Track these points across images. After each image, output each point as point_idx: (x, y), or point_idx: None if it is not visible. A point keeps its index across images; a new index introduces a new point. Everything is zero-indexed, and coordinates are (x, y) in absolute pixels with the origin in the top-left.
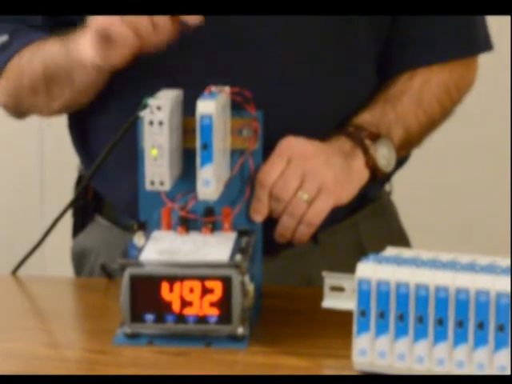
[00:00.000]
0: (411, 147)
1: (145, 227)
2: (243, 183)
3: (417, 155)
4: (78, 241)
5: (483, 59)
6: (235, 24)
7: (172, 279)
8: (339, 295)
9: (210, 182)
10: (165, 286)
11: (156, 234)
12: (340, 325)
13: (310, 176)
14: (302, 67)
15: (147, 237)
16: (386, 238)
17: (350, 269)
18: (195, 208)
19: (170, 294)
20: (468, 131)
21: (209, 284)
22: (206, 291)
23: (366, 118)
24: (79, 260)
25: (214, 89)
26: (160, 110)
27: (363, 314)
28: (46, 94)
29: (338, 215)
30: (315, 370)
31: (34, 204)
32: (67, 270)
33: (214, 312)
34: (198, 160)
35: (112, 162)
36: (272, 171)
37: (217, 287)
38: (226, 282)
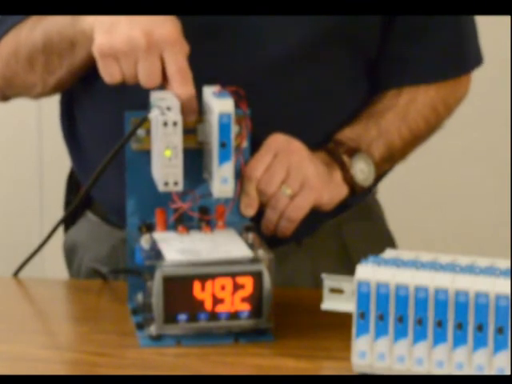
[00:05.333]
0: (394, 162)
1: (152, 229)
2: (235, 180)
3: (410, 155)
4: (68, 236)
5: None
6: (231, 29)
7: (204, 278)
8: (339, 297)
9: (228, 179)
10: (197, 285)
11: (158, 235)
12: (339, 327)
13: (294, 170)
14: (293, 77)
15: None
16: (370, 240)
17: (333, 270)
18: (190, 207)
19: (202, 293)
20: (463, 130)
21: (240, 280)
22: (237, 287)
23: (346, 133)
24: (69, 255)
25: (213, 89)
26: (170, 110)
27: (362, 316)
28: (44, 66)
29: (321, 219)
30: (314, 371)
31: (33, 205)
32: (65, 269)
33: (245, 307)
34: (216, 158)
35: (99, 162)
36: (258, 165)
37: (248, 283)
38: (257, 277)
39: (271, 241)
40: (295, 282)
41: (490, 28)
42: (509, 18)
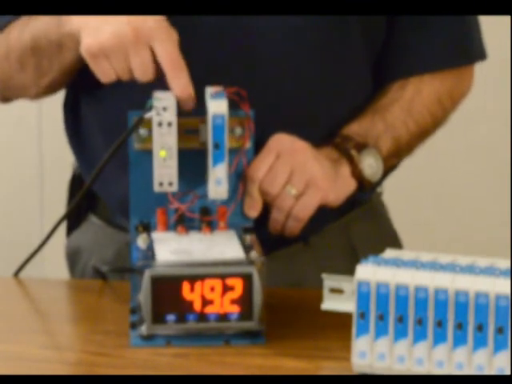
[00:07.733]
0: (401, 156)
1: (149, 229)
2: (237, 182)
3: (413, 155)
4: (71, 240)
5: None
6: (230, 28)
7: (193, 279)
8: (339, 297)
9: (222, 180)
10: (186, 286)
11: (156, 235)
12: (339, 327)
13: (299, 170)
14: (294, 74)
15: (149, 238)
16: (376, 240)
17: (341, 271)
18: (191, 208)
19: (191, 294)
20: (464, 131)
21: (229, 282)
22: (226, 289)
23: (353, 128)
24: (72, 259)
25: (212, 89)
26: (166, 110)
27: (362, 316)
28: (35, 68)
29: (328, 217)
30: (314, 371)
31: (33, 205)
32: (65, 269)
33: (234, 309)
34: (210, 159)
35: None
36: (261, 166)
37: (237, 284)
38: (247, 279)
39: (279, 241)
40: (302, 282)
41: (490, 28)
42: (509, 17)
